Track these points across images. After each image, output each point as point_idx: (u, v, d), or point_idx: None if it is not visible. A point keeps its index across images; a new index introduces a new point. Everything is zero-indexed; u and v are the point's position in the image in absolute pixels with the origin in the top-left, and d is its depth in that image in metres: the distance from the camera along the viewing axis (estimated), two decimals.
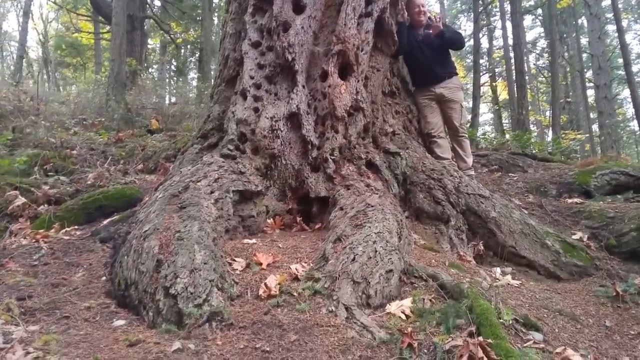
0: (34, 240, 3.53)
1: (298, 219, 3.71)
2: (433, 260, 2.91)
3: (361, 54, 3.89)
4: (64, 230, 3.79)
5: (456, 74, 4.68)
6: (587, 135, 16.37)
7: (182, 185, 3.40)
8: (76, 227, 3.90)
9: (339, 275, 2.50)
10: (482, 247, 3.29)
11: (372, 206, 3.16)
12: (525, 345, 2.16)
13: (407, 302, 2.40)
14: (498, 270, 3.10)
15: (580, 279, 3.04)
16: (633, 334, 2.29)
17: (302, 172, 3.71)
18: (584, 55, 18.95)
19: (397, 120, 4.30)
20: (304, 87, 3.84)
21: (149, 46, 19.22)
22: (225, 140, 3.86)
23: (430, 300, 2.50)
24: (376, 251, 2.66)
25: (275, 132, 3.76)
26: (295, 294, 2.43)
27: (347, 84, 3.78)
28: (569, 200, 4.20)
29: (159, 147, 6.61)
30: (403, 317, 2.30)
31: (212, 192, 3.37)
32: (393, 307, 2.38)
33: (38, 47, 23.03)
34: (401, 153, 3.83)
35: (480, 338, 2.02)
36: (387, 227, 2.90)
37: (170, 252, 2.58)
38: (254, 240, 3.16)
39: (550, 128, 14.31)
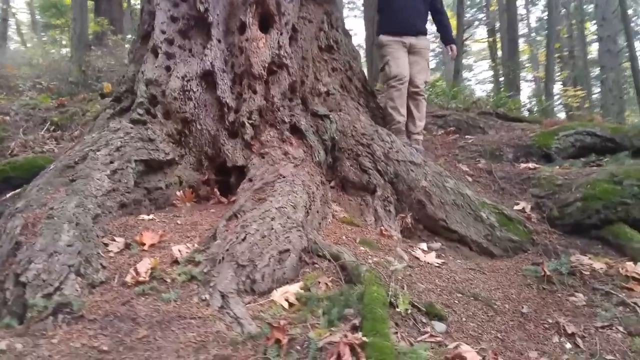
0: None
1: (215, 190, 3.32)
2: (344, 237, 2.56)
3: (285, 3, 3.42)
4: None
5: None
6: (586, 92, 15.78)
7: (80, 155, 2.99)
8: None
9: (223, 258, 2.15)
10: (409, 220, 2.94)
11: (284, 177, 2.79)
12: (419, 339, 1.83)
13: (294, 288, 2.06)
14: (422, 246, 2.76)
15: (515, 255, 2.72)
16: (550, 323, 1.97)
17: (219, 138, 3.31)
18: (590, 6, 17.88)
19: (334, 78, 3.85)
20: (219, 41, 3.39)
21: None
22: (135, 103, 3.42)
23: (326, 284, 2.16)
24: (272, 229, 2.30)
25: (187, 93, 3.33)
26: (168, 280, 2.08)
27: (268, 37, 3.32)
28: (523, 166, 3.83)
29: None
30: (286, 305, 1.96)
31: (111, 163, 2.97)
32: (278, 293, 2.04)
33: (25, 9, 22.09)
34: (331, 116, 3.41)
35: (360, 334, 1.68)
36: (292, 201, 2.53)
37: (34, 232, 2.20)
38: (151, 216, 2.78)
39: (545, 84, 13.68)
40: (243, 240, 2.23)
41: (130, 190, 2.95)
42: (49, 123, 6.02)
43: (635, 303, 2.05)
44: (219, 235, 2.33)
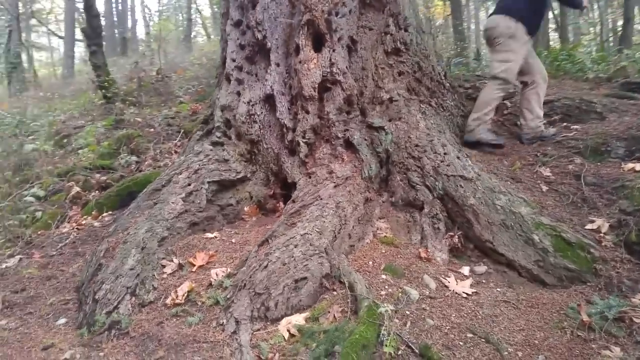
0: (72, 228, 4.04)
1: (280, 204, 3.60)
2: (372, 261, 2.60)
3: (336, 19, 3.45)
4: (100, 217, 4.24)
5: None
6: None
7: (166, 179, 3.56)
8: (111, 213, 4.32)
9: (244, 285, 2.40)
10: (457, 240, 2.80)
11: (320, 199, 2.91)
12: None
13: (298, 318, 2.21)
14: (465, 270, 2.64)
15: (571, 286, 2.41)
16: None
17: (280, 156, 3.56)
18: None
19: (399, 83, 3.77)
20: (278, 65, 3.60)
21: None
22: (213, 127, 3.86)
23: (334, 315, 2.27)
24: (293, 256, 2.48)
25: (252, 116, 3.64)
26: (199, 303, 2.43)
27: (319, 56, 3.41)
28: (629, 167, 3.26)
29: None
30: (287, 336, 2.14)
31: (188, 185, 3.45)
32: (284, 322, 2.22)
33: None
34: (386, 127, 3.38)
35: None
36: (318, 227, 2.66)
37: (112, 256, 2.76)
38: (214, 234, 3.18)
39: None
40: (265, 267, 2.44)
41: (203, 209, 3.39)
42: (181, 132, 6.82)
43: None
44: (249, 261, 2.58)
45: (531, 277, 2.53)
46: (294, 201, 3.05)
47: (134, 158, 6.01)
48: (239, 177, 3.63)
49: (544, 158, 3.59)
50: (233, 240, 3.05)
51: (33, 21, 22.57)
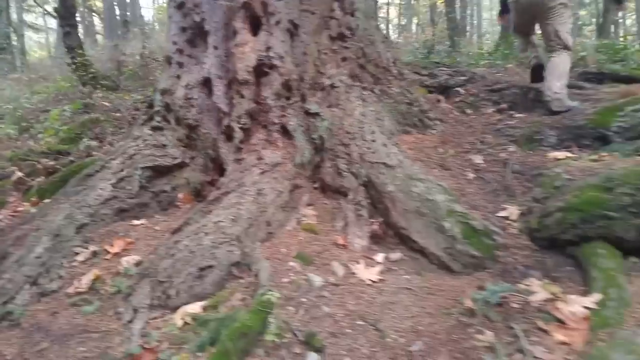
0: (5, 215, 4.04)
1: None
2: (286, 248, 2.62)
3: (274, 2, 3.42)
4: (40, 204, 4.22)
5: None
6: None
7: (101, 164, 3.55)
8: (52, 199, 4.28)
9: (149, 273, 2.42)
10: (378, 227, 2.83)
11: (243, 186, 2.92)
12: None
13: (194, 307, 2.24)
14: (379, 257, 2.67)
15: (474, 273, 2.45)
16: None
17: (218, 141, 3.55)
18: None
19: (342, 69, 3.75)
20: (215, 48, 3.57)
21: None
22: (154, 111, 3.84)
23: (239, 302, 2.29)
24: (201, 245, 2.48)
25: (189, 100, 3.63)
26: (102, 292, 2.44)
27: (255, 40, 3.38)
28: (552, 155, 3.30)
29: None
30: (181, 324, 2.16)
31: (121, 171, 3.45)
32: (180, 311, 2.24)
33: None
34: (322, 113, 3.37)
35: None
36: (233, 214, 2.67)
37: (22, 244, 2.76)
38: (141, 222, 3.18)
39: None
40: (172, 256, 2.46)
41: (134, 195, 3.38)
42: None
43: (532, 352, 1.75)
44: (158, 249, 2.60)
45: (440, 264, 2.56)
46: (218, 188, 3.06)
47: (94, 143, 5.96)
48: (176, 162, 3.62)
49: (480, 146, 3.61)
50: (157, 228, 3.06)
51: (30, 1, 22.14)
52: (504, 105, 4.49)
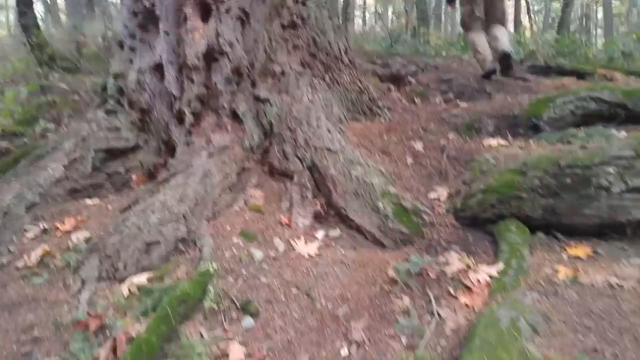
0: None
1: None
2: (231, 226, 2.77)
3: None
4: None
5: None
6: None
7: (53, 145, 3.58)
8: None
9: (97, 248, 2.52)
10: (320, 207, 3.01)
11: (191, 167, 3.04)
12: (211, 335, 2.04)
13: (140, 278, 2.37)
14: (320, 234, 2.85)
15: (403, 247, 2.67)
16: (346, 328, 2.01)
17: (170, 125, 3.64)
18: None
19: (293, 56, 3.88)
20: (167, 34, 3.63)
21: None
22: (107, 95, 3.89)
23: (183, 274, 2.44)
24: (149, 222, 2.60)
25: (142, 84, 3.69)
26: (51, 266, 2.53)
27: (205, 27, 3.48)
28: (486, 142, 3.55)
29: None
30: (126, 293, 2.29)
31: (73, 152, 3.50)
32: (126, 282, 2.37)
33: None
34: (271, 99, 3.51)
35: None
36: (180, 194, 2.80)
37: None
38: (94, 201, 3.27)
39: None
40: (120, 232, 2.57)
41: (87, 176, 3.46)
42: None
43: (439, 314, 1.98)
44: (107, 226, 2.70)
45: (373, 240, 2.77)
46: (167, 169, 3.17)
47: (51, 126, 5.90)
48: (129, 145, 3.70)
49: (423, 133, 3.83)
50: (110, 207, 3.16)
51: None
52: (450, 95, 4.74)
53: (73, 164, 3.42)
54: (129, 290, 2.31)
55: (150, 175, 3.73)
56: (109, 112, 3.84)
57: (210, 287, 2.20)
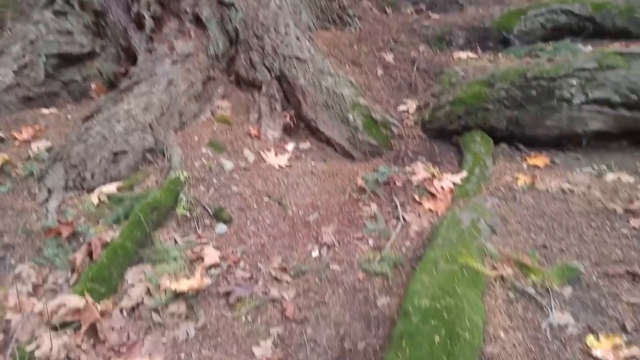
0: None
1: None
2: (199, 137, 2.73)
3: None
4: None
5: None
6: None
7: None
8: None
9: (61, 158, 2.45)
10: (289, 119, 2.99)
11: (155, 75, 2.91)
12: (185, 239, 2.09)
13: (110, 187, 2.34)
14: (289, 147, 2.86)
15: (372, 159, 2.72)
16: (317, 233, 2.11)
17: (128, 30, 3.40)
18: None
19: None
20: None
21: None
22: None
23: (153, 183, 2.43)
24: (114, 131, 2.53)
25: None
26: (13, 174, 2.46)
27: None
28: (456, 55, 3.53)
29: None
30: (96, 202, 2.28)
31: (22, 57, 3.26)
32: (96, 191, 2.34)
33: None
34: (236, 3, 3.30)
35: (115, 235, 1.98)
36: (144, 103, 2.70)
37: None
38: (50, 110, 3.11)
39: None
40: (84, 141, 2.49)
41: (41, 83, 3.26)
42: None
43: (404, 218, 2.09)
44: (69, 135, 2.61)
45: (343, 152, 2.82)
46: (130, 77, 3.03)
47: None
48: (85, 51, 3.47)
49: (393, 44, 3.75)
50: (69, 117, 3.03)
51: None
52: (422, 6, 4.60)
53: (23, 70, 3.20)
54: (99, 199, 2.29)
55: (111, 84, 3.55)
56: (57, 14, 3.54)
57: (182, 195, 2.21)
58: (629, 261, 1.58)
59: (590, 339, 1.30)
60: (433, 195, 2.18)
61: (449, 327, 1.20)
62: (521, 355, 1.28)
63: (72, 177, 2.40)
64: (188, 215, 2.19)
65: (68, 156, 2.44)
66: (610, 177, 2.12)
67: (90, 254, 1.93)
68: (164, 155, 2.61)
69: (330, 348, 1.55)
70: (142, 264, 1.94)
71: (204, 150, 2.63)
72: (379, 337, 1.53)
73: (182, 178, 2.25)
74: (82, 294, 1.64)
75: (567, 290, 1.50)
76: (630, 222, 1.77)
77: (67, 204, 2.30)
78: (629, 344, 1.28)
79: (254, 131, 2.92)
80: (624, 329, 1.34)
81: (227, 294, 1.82)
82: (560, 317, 1.38)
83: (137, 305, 1.74)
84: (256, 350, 1.58)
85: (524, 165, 2.36)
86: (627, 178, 2.08)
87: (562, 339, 1.33)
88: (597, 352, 1.26)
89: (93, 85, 3.47)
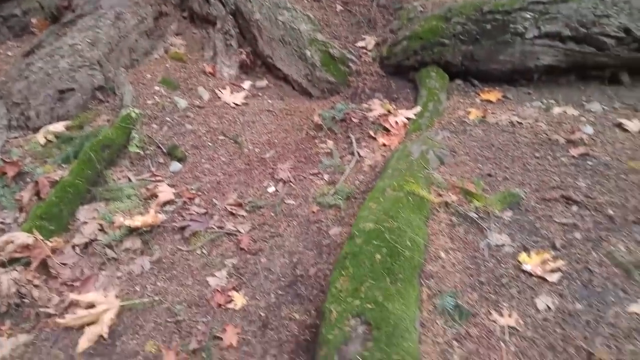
0: None
1: None
2: (152, 74, 2.63)
3: None
4: None
5: None
6: None
7: None
8: None
9: (2, 95, 2.33)
10: (246, 56, 2.90)
11: (100, 9, 2.74)
12: (139, 177, 2.07)
13: (58, 126, 2.26)
14: (246, 84, 2.80)
15: (330, 97, 2.70)
16: (273, 169, 2.11)
17: None
18: None
19: None
20: None
21: None
22: None
23: (104, 122, 2.35)
24: (58, 68, 2.39)
25: None
26: None
27: None
28: None
29: None
30: (43, 142, 2.20)
31: None
32: (42, 130, 2.25)
33: None
34: None
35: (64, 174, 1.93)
36: (91, 38, 2.55)
37: None
38: None
39: None
40: (26, 78, 2.36)
41: None
42: None
43: (359, 153, 2.12)
44: (9, 72, 2.46)
45: (301, 90, 2.78)
46: (73, 10, 2.84)
47: None
48: None
49: None
50: (9, 53, 2.85)
51: None
52: None
53: None
54: (46, 138, 2.21)
55: (53, 18, 3.32)
56: None
57: (134, 133, 2.16)
58: (564, 186, 1.67)
59: (522, 256, 1.39)
60: (388, 131, 2.21)
61: (391, 247, 1.26)
62: (459, 272, 1.36)
63: (15, 116, 2.30)
64: (142, 153, 2.15)
65: (9, 94, 2.32)
66: (557, 110, 2.18)
67: (38, 193, 1.88)
68: (115, 93, 2.52)
69: (284, 275, 1.61)
70: (95, 202, 1.92)
71: (156, 88, 2.55)
72: (329, 262, 1.59)
73: (134, 115, 2.19)
74: (30, 231, 1.62)
75: (507, 214, 1.58)
76: (570, 151, 1.85)
77: (12, 143, 2.21)
78: (555, 258, 1.38)
79: (209, 69, 2.84)
80: (553, 246, 1.43)
81: (182, 229, 1.83)
82: (497, 238, 1.46)
83: (91, 242, 1.73)
84: (211, 280, 1.62)
85: (477, 100, 2.39)
86: (572, 111, 2.15)
87: (498, 257, 1.42)
88: (526, 267, 1.35)
89: (34, 20, 3.25)
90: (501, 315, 1.23)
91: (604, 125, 2.05)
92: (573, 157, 1.83)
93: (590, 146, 1.88)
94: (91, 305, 1.49)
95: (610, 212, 1.53)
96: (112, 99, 2.51)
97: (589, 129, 1.99)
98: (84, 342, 1.39)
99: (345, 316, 1.09)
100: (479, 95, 2.46)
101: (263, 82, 2.88)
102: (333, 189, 1.95)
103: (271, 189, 2.03)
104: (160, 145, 2.20)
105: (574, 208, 1.56)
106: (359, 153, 2.10)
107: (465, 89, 2.54)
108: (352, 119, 2.31)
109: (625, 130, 1.99)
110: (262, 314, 1.47)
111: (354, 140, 2.21)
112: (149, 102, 2.43)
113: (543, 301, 1.24)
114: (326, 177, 2.04)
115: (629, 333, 1.16)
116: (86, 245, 1.73)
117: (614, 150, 1.86)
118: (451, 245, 1.46)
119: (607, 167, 1.76)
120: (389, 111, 2.35)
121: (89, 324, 1.45)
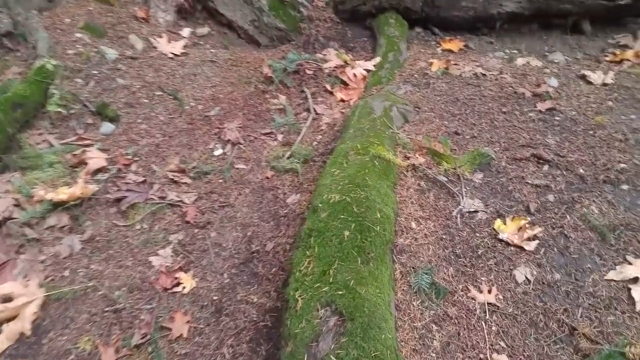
0: None
1: None
2: (72, 19, 2.25)
3: None
4: None
5: None
6: None
7: None
8: None
9: None
10: (184, 1, 2.55)
11: None
12: (63, 142, 1.78)
13: None
14: (185, 32, 2.48)
15: (280, 45, 2.45)
16: (220, 129, 1.89)
17: None
18: None
19: None
20: None
21: None
22: None
23: (17, 75, 1.99)
24: None
25: None
26: None
27: None
28: None
29: None
30: None
31: None
32: None
33: None
34: None
35: None
36: None
37: None
38: None
39: None
40: None
41: None
42: None
43: (315, 110, 1.93)
44: None
45: (248, 38, 2.51)
46: None
47: None
48: None
49: None
50: None
51: None
52: None
53: None
54: None
55: None
56: None
57: (54, 89, 1.85)
58: (534, 144, 1.58)
59: (497, 223, 1.30)
60: (345, 84, 2.03)
61: (359, 221, 1.12)
62: (432, 244, 1.24)
63: None
64: (64, 113, 1.86)
65: None
66: (520, 61, 2.08)
67: None
68: (26, 40, 2.15)
69: (237, 251, 1.44)
70: (8, 172, 1.63)
71: (78, 35, 2.20)
72: (288, 236, 1.44)
73: (50, 67, 1.86)
74: None
75: (478, 177, 1.47)
76: (537, 105, 1.76)
77: None
78: (532, 224, 1.29)
79: (141, 13, 2.49)
80: (528, 210, 1.35)
81: (118, 201, 1.60)
82: (470, 203, 1.36)
83: (4, 220, 1.47)
84: (154, 260, 1.43)
85: (439, 50, 2.24)
86: (535, 62, 2.05)
87: (472, 225, 1.32)
88: (503, 236, 1.26)
89: None
90: (480, 291, 1.14)
91: (568, 77, 1.97)
92: (540, 111, 1.74)
93: (556, 100, 1.80)
94: (8, 298, 1.26)
95: (581, 171, 1.45)
96: (23, 48, 2.14)
97: (554, 82, 1.91)
98: (2, 342, 1.18)
99: (313, 305, 0.95)
100: (440, 44, 2.31)
101: (204, 29, 2.58)
102: (289, 151, 1.77)
103: (218, 152, 1.82)
104: (87, 103, 1.91)
105: (545, 168, 1.48)
106: (315, 110, 1.92)
107: (425, 37, 2.38)
108: (306, 70, 2.10)
109: (589, 83, 1.92)
110: (215, 298, 1.31)
111: (309, 95, 2.01)
112: (70, 51, 2.09)
113: (522, 272, 1.16)
114: (280, 137, 1.85)
115: (609, 303, 1.10)
116: None
117: (579, 104, 1.79)
118: (421, 213, 1.34)
119: (574, 122, 1.69)
120: (345, 62, 2.15)
121: (7, 320, 1.23)
